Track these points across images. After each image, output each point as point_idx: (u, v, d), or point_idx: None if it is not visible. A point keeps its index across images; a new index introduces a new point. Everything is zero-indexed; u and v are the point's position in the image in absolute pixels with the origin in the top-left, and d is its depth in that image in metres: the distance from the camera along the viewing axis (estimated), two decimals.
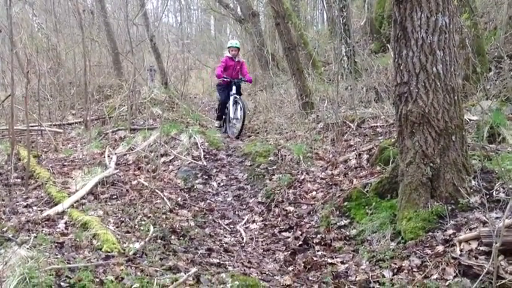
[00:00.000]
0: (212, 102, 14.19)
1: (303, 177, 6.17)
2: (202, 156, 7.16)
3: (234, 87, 9.38)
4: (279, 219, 5.35)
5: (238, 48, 9.78)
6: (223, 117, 9.71)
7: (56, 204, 5.01)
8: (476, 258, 3.31)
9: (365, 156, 6.18)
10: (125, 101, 9.93)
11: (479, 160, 4.47)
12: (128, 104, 9.52)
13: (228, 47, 9.71)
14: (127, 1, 12.71)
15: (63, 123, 9.85)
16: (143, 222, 4.67)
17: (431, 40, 4.02)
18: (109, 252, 3.80)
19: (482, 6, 9.90)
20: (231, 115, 9.27)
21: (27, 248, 3.56)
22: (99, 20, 14.49)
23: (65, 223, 4.50)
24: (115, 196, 5.51)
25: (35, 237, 3.94)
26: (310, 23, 19.29)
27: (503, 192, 3.94)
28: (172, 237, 4.52)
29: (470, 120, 5.80)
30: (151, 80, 13.38)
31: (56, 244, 3.88)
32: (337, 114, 7.47)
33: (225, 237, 5.00)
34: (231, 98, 9.34)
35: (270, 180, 6.31)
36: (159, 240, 4.31)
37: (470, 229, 3.60)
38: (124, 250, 3.89)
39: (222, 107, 9.57)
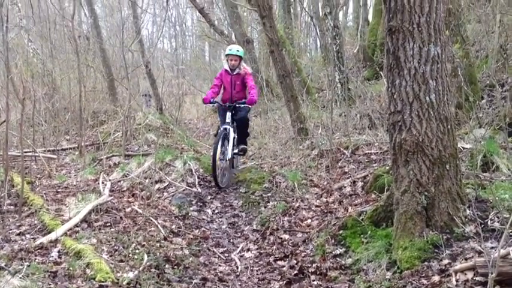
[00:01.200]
0: (207, 127, 14.22)
1: (297, 204, 6.16)
2: (196, 183, 7.14)
3: (227, 114, 7.37)
4: (274, 247, 5.32)
5: (241, 58, 7.40)
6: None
7: (49, 232, 4.96)
8: None
9: (360, 184, 6.20)
10: (120, 126, 9.92)
11: (474, 189, 4.49)
12: (122, 129, 9.52)
13: (226, 55, 7.56)
14: (123, 27, 12.84)
15: (57, 149, 9.81)
16: (137, 251, 4.63)
17: (424, 70, 4.08)
18: (103, 282, 3.76)
19: (474, 35, 10.08)
20: (217, 155, 6.91)
21: (20, 278, 3.52)
22: (94, 46, 14.58)
23: (58, 251, 4.45)
24: (109, 224, 5.47)
25: (28, 266, 3.91)
26: (303, 50, 19.52)
27: (498, 222, 3.96)
28: (167, 266, 4.49)
29: (463, 148, 5.85)
30: (147, 105, 13.42)
31: (49, 273, 3.85)
32: (331, 140, 7.51)
33: (219, 265, 4.96)
34: (221, 129, 7.34)
35: (265, 207, 6.30)
36: (153, 269, 4.28)
37: (466, 259, 3.61)
38: (118, 280, 3.86)
39: (219, 134, 7.39)
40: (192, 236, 5.56)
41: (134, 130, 10.10)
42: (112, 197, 6.39)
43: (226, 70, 7.46)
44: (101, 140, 9.68)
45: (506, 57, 8.14)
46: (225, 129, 7.31)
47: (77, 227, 5.22)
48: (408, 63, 4.11)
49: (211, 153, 7.09)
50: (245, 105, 7.39)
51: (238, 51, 7.42)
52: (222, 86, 7.59)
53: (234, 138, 7.38)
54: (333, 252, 4.70)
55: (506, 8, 9.01)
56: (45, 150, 9.48)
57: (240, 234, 5.90)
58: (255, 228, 5.94)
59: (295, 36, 17.08)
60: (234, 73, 7.43)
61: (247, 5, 12.52)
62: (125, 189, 7.13)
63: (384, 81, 9.70)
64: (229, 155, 7.28)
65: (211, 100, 7.33)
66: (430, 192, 4.08)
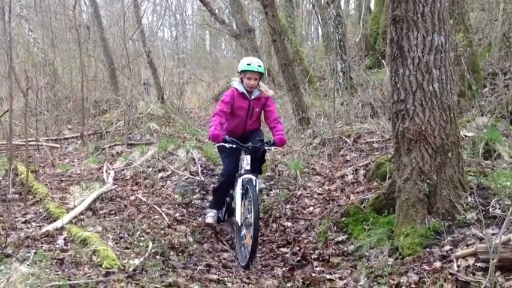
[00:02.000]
0: (208, 116, 14.23)
1: (300, 192, 6.21)
2: (199, 172, 7.18)
3: (245, 158, 5.07)
4: (277, 234, 5.39)
5: (261, 75, 5.23)
6: (224, 207, 5.58)
7: (54, 220, 5.01)
8: (474, 274, 3.34)
9: (362, 172, 6.24)
10: (122, 116, 9.96)
11: (475, 176, 4.53)
12: (124, 119, 9.55)
13: (242, 72, 5.22)
14: (124, 17, 12.82)
15: (60, 138, 9.87)
16: (142, 238, 4.69)
17: (428, 59, 4.10)
18: (109, 268, 3.81)
19: (477, 23, 10.06)
20: (237, 217, 4.95)
21: (28, 265, 3.57)
22: (95, 35, 14.57)
23: (64, 239, 4.50)
24: (113, 212, 5.53)
25: (35, 253, 3.96)
26: (305, 39, 19.49)
27: (499, 209, 4.00)
28: (171, 253, 4.54)
29: (466, 136, 5.89)
30: (147, 94, 13.43)
31: (56, 260, 3.89)
32: (333, 129, 7.54)
33: (223, 252, 5.02)
34: (239, 182, 5.01)
35: (268, 195, 6.34)
36: (158, 256, 4.33)
37: (467, 245, 3.65)
38: (124, 266, 3.91)
39: (224, 184, 5.31)
40: (195, 224, 5.61)
41: (136, 119, 10.14)
42: (116, 186, 6.45)
43: (241, 93, 5.21)
44: (103, 129, 9.72)
45: (509, 45, 8.14)
46: (247, 179, 4.91)
47: (82, 215, 5.28)
48: (412, 53, 4.13)
49: (226, 217, 5.64)
50: (272, 147, 5.35)
51: (260, 66, 5.10)
52: (232, 115, 5.31)
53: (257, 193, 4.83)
54: (335, 239, 4.76)
55: None
56: (48, 140, 9.53)
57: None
58: None
59: (297, 25, 17.05)
60: (253, 97, 5.27)
61: None
62: (128, 177, 7.18)
63: (386, 70, 9.73)
64: (253, 219, 4.65)
65: (227, 138, 5.00)
66: (432, 180, 4.12)
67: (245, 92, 5.24)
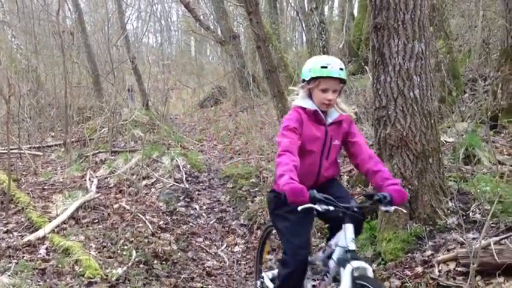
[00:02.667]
0: (193, 122, 14.18)
1: None
2: (184, 179, 7.17)
3: (348, 229, 2.80)
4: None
5: (344, 84, 3.06)
6: None
7: (36, 230, 4.97)
8: (454, 278, 3.39)
9: (345, 178, 6.27)
10: (106, 122, 9.90)
11: (456, 182, 4.58)
12: (108, 126, 9.50)
13: (312, 79, 3.00)
14: (108, 23, 12.77)
15: (43, 146, 9.77)
16: (125, 247, 4.66)
17: (408, 66, 4.15)
18: (91, 278, 3.79)
19: (457, 30, 10.20)
20: None
21: (9, 275, 3.53)
22: (79, 42, 14.49)
23: (46, 249, 4.46)
24: (96, 220, 5.49)
25: (16, 263, 3.92)
26: (290, 45, 19.58)
27: (480, 213, 4.05)
28: (155, 261, 4.52)
29: (446, 142, 5.95)
30: (132, 101, 13.38)
31: (38, 271, 3.86)
32: None
33: (207, 260, 5.01)
34: (346, 275, 2.67)
35: (252, 202, 6.35)
36: (141, 265, 4.31)
37: (448, 250, 3.69)
38: (107, 276, 3.89)
39: (294, 277, 3.02)
40: (180, 232, 5.59)
41: (120, 126, 10.09)
42: (99, 194, 6.41)
43: (312, 113, 3.04)
44: (86, 137, 9.66)
45: (489, 51, 8.26)
46: (362, 279, 2.61)
47: (65, 224, 5.24)
48: (393, 60, 4.17)
49: None
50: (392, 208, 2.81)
51: (341, 70, 2.96)
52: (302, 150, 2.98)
53: None
54: (319, 245, 4.77)
55: (489, 3, 9.15)
56: (30, 147, 9.43)
57: (227, 229, 5.95)
58: (242, 222, 5.99)
59: (282, 31, 17.13)
60: (330, 121, 3.10)
61: (233, 0, 12.54)
62: (112, 185, 7.13)
63: (369, 76, 9.78)
64: None
65: (317, 195, 2.63)
66: (413, 186, 4.16)
67: (319, 113, 3.04)
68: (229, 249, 5.36)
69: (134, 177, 7.14)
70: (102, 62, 14.30)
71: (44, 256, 4.29)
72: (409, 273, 3.64)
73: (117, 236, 4.90)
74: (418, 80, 4.17)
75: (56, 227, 5.04)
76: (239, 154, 9.03)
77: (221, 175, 7.62)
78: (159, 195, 6.71)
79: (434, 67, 6.77)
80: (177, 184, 7.01)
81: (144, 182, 7.07)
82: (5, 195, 5.98)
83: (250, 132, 10.15)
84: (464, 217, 3.98)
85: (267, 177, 6.87)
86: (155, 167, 7.63)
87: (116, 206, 6.08)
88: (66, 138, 9.24)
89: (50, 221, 5.18)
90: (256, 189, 6.65)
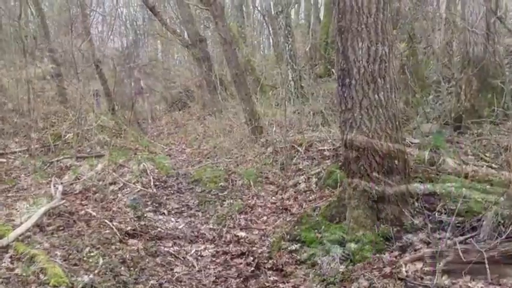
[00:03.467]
0: (161, 126, 14.04)
1: (253, 202, 6.23)
2: (152, 184, 7.08)
3: None
4: (231, 245, 5.36)
5: None
6: None
7: (0, 238, 4.82)
8: (422, 278, 3.44)
9: (314, 180, 6.32)
10: (71, 128, 9.71)
11: (421, 182, 4.67)
12: (73, 131, 9.32)
13: None
14: (71, 27, 12.53)
15: (6, 152, 9.50)
16: (92, 254, 4.56)
17: (373, 69, 4.21)
18: (57, 286, 3.70)
19: (421, 32, 10.42)
20: None
21: None
22: (42, 46, 14.17)
23: (11, 257, 4.33)
24: (62, 227, 5.36)
25: None
26: (256, 48, 19.61)
27: (445, 213, 4.14)
28: (123, 268, 4.43)
29: (412, 143, 6.06)
30: (97, 105, 13.16)
31: (2, 280, 3.74)
32: (285, 138, 7.61)
33: (176, 266, 4.95)
34: None
35: (221, 206, 6.32)
36: (108, 272, 4.22)
37: (415, 250, 3.76)
38: (72, 284, 3.80)
39: None
40: (148, 237, 5.51)
41: (86, 131, 9.90)
42: (64, 201, 6.26)
43: None
44: (51, 142, 9.44)
45: (452, 53, 8.47)
46: None
47: (29, 231, 5.09)
48: (357, 63, 4.23)
49: None
50: None
51: None
52: None
53: None
54: (289, 248, 4.78)
55: (451, 5, 9.38)
56: None
57: (197, 233, 5.89)
58: (211, 227, 5.95)
59: (248, 34, 17.14)
60: None
61: (199, 4, 12.50)
62: (77, 192, 6.99)
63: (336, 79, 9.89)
64: None
65: None
66: (380, 187, 4.22)
67: None
68: (199, 253, 5.31)
69: (100, 183, 7.02)
70: (67, 67, 14.01)
71: (8, 265, 4.16)
72: (377, 273, 3.68)
73: (83, 243, 4.79)
74: (382, 82, 4.23)
75: (20, 235, 4.88)
76: (208, 158, 8.98)
77: (190, 179, 7.56)
78: (126, 200, 6.60)
79: (399, 70, 6.90)
80: (144, 189, 6.92)
81: (110, 188, 6.95)
82: None
83: (218, 136, 10.11)
84: (430, 217, 4.07)
85: (235, 181, 6.86)
86: (122, 172, 7.51)
87: (81, 212, 5.95)
88: (30, 144, 9.02)
89: (13, 229, 5.03)
90: (225, 192, 6.63)
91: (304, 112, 9.44)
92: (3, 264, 4.18)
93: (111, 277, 4.11)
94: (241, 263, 4.91)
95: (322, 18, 16.44)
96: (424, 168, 5.14)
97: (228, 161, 8.12)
